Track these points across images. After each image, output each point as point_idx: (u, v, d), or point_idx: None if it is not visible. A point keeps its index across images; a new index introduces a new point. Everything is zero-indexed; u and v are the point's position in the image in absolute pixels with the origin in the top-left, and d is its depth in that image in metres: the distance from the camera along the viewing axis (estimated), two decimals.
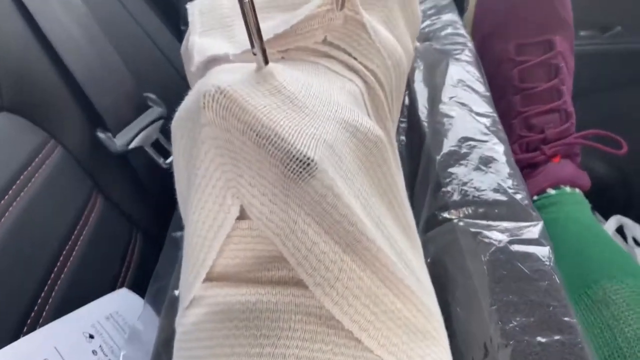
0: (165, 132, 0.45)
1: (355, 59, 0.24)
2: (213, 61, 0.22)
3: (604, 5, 0.60)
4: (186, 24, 0.57)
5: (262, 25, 0.18)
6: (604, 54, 0.60)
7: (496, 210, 0.28)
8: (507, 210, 0.28)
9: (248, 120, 0.16)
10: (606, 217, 0.64)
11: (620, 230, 0.62)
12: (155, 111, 0.45)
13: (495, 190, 0.29)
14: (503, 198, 0.28)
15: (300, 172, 0.16)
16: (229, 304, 0.20)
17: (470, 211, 0.28)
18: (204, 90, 0.17)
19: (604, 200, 0.73)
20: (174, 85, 0.50)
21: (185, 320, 0.21)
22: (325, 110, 0.19)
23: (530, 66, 0.47)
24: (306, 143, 0.16)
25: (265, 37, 0.19)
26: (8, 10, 0.36)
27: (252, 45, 0.17)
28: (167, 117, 0.46)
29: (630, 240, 0.60)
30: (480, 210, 0.28)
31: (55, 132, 0.39)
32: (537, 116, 0.48)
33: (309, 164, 0.16)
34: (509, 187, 0.29)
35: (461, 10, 0.51)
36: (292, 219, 0.17)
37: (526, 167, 0.49)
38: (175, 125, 0.19)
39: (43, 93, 0.38)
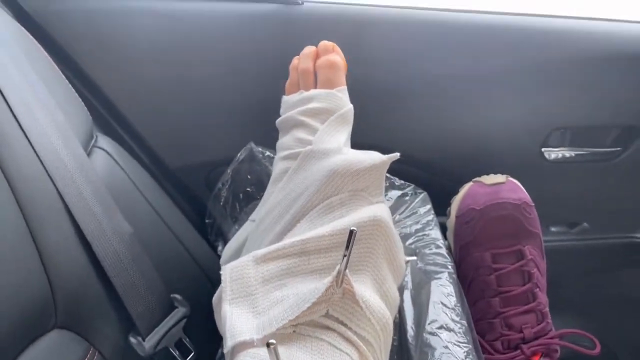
0: (187, 328, 0.51)
1: (350, 329, 0.31)
2: (241, 346, 0.29)
3: (571, 205, 0.69)
4: (210, 217, 0.66)
5: (278, 295, 0.25)
6: (575, 248, 0.69)
7: None
8: None
9: None
10: None
11: None
12: (180, 311, 0.51)
13: None
14: None
15: None
16: None
17: None
18: None
19: None
20: (196, 282, 0.57)
21: None
22: None
23: (506, 272, 0.55)
24: None
25: (281, 318, 0.27)
26: (70, 242, 0.45)
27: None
28: (189, 315, 0.52)
29: None
30: None
31: (95, 341, 0.45)
32: (515, 316, 0.54)
33: None
34: None
35: (444, 215, 0.60)
36: None
37: None
38: None
39: (89, 309, 0.45)
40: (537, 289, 0.55)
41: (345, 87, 0.50)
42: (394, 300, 0.38)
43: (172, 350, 0.49)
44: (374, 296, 0.34)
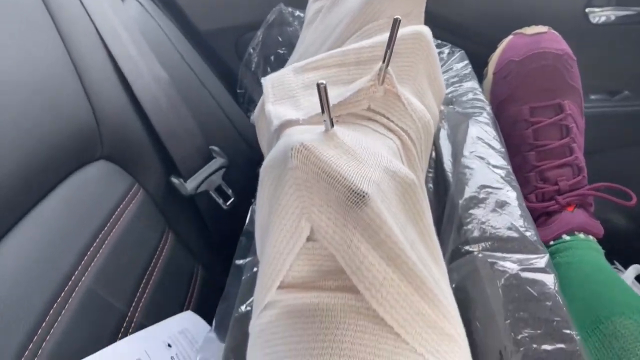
0: (226, 179, 0.53)
1: (392, 122, 0.32)
2: (287, 123, 0.30)
3: (612, 72, 0.66)
4: (242, 87, 0.66)
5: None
6: (614, 115, 0.67)
7: (509, 245, 0.34)
8: (518, 244, 0.34)
9: (321, 165, 0.23)
10: (626, 266, 0.67)
11: (638, 278, 0.66)
12: (219, 161, 0.53)
13: (509, 229, 0.35)
14: (515, 235, 0.34)
15: (357, 202, 0.23)
16: (297, 305, 0.26)
17: (487, 245, 0.34)
18: (291, 145, 0.24)
19: (623, 251, 0.77)
20: (232, 140, 0.59)
21: (260, 321, 0.28)
22: (372, 159, 0.26)
23: (543, 126, 0.54)
24: (361, 181, 0.23)
25: None
26: (112, 81, 0.46)
27: (323, 113, 0.25)
28: (228, 167, 0.54)
29: None
30: (496, 244, 0.34)
31: (140, 177, 0.47)
32: (551, 170, 0.54)
33: (363, 196, 0.23)
34: (520, 226, 0.35)
35: (480, 79, 0.59)
36: (349, 237, 0.24)
37: (542, 215, 0.54)
38: (263, 170, 0.27)
39: (133, 145, 0.47)
40: (575, 144, 0.54)
41: None
42: (434, 116, 0.38)
43: (212, 194, 0.51)
44: (415, 100, 0.34)
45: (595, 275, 0.48)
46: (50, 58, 0.40)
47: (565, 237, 0.52)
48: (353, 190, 0.23)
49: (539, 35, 0.54)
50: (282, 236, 0.26)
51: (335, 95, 0.31)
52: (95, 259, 0.39)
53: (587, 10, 0.62)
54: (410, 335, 0.25)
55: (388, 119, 0.32)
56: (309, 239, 0.26)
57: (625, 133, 0.68)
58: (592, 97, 0.67)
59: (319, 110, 0.28)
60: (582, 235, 0.52)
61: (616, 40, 0.64)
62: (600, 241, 0.52)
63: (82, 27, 0.44)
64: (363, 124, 0.31)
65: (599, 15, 0.63)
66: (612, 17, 0.64)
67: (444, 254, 0.33)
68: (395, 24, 0.29)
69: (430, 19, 0.43)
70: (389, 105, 0.32)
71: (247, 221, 0.45)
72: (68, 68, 0.42)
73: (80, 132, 0.41)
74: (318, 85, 0.23)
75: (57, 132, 0.39)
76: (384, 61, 0.31)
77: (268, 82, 0.35)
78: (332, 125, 0.25)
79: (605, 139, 0.68)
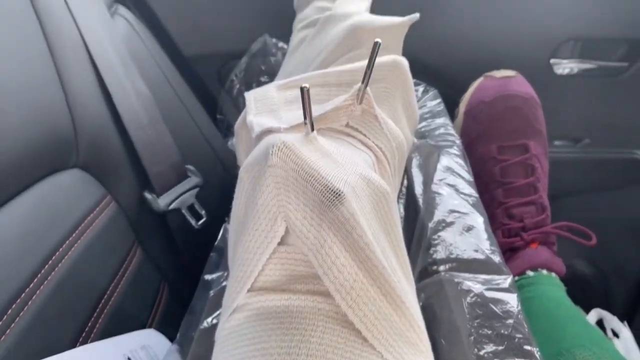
0: (200, 198, 0.53)
1: (369, 139, 0.33)
2: (267, 132, 0.31)
3: (575, 121, 0.71)
4: (222, 113, 0.67)
5: (301, 112, 0.26)
6: (576, 161, 0.70)
7: (475, 266, 0.35)
8: (484, 266, 0.35)
9: (301, 164, 0.24)
10: (587, 310, 0.69)
11: (600, 322, 0.68)
12: (193, 180, 0.53)
13: (475, 251, 0.36)
14: (481, 257, 0.35)
15: (333, 200, 0.23)
16: (266, 308, 0.26)
17: (454, 266, 0.35)
18: (272, 143, 0.25)
19: (586, 295, 0.79)
20: (208, 161, 0.59)
21: (228, 325, 0.27)
22: (349, 165, 0.27)
23: (510, 165, 0.56)
24: (338, 182, 0.24)
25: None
26: (94, 92, 0.46)
27: (305, 116, 0.26)
28: (202, 186, 0.54)
29: (609, 331, 0.66)
30: (463, 265, 0.35)
31: (112, 190, 0.47)
32: (516, 207, 0.56)
33: (339, 194, 0.23)
34: (486, 249, 0.36)
35: (452, 117, 0.62)
36: (323, 237, 0.24)
37: (508, 250, 0.56)
38: (243, 169, 0.27)
39: (109, 157, 0.46)
40: (539, 184, 0.57)
41: None
42: (408, 140, 0.39)
43: (184, 212, 0.51)
44: (391, 121, 0.36)
45: (557, 309, 0.49)
46: (36, 65, 0.41)
47: (529, 273, 0.53)
48: (329, 189, 0.23)
49: (508, 79, 0.57)
50: (257, 236, 0.26)
51: (315, 109, 0.33)
52: (59, 266, 0.38)
53: (551, 61, 0.67)
54: (377, 340, 0.25)
55: (365, 135, 0.33)
56: (282, 243, 0.26)
57: (586, 179, 0.72)
58: (556, 142, 0.71)
59: (301, 120, 0.29)
60: (545, 272, 0.53)
61: (578, 91, 0.68)
62: (562, 283, 0.54)
63: (70, 38, 0.44)
64: (341, 137, 0.32)
65: (563, 66, 0.68)
66: (575, 70, 0.69)
67: (412, 274, 0.34)
68: (375, 47, 0.31)
69: (407, 60, 0.45)
70: (366, 124, 0.33)
71: (219, 237, 0.45)
72: (52, 76, 0.42)
73: (57, 139, 0.41)
74: (301, 88, 0.24)
75: (33, 136, 0.39)
76: (363, 81, 0.32)
77: (251, 95, 0.37)
78: (313, 130, 0.26)
79: (567, 184, 0.71)
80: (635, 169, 0.70)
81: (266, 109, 0.35)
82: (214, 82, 0.68)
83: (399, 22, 0.43)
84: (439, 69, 0.68)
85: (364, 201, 0.26)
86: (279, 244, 0.26)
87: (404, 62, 0.40)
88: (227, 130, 0.67)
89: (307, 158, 0.24)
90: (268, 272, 0.27)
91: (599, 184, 0.72)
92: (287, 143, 0.24)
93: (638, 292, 0.83)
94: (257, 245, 0.26)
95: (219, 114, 0.67)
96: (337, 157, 0.26)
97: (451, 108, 0.62)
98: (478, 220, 0.39)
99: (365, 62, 0.39)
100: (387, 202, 0.28)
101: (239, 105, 0.64)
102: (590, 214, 0.74)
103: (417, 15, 0.44)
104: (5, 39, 0.39)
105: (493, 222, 0.57)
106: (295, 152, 0.24)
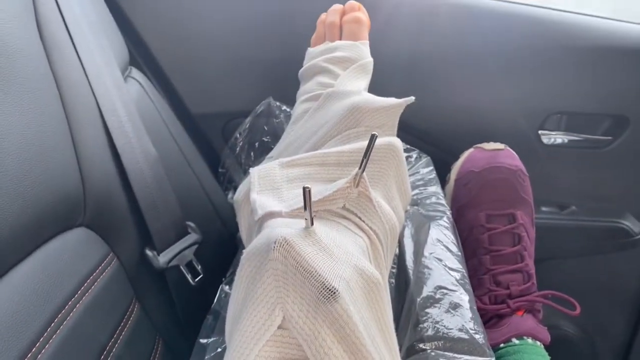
0: (198, 255, 0.55)
1: (364, 222, 0.35)
2: (270, 214, 0.33)
3: (561, 189, 0.74)
4: (224, 167, 0.70)
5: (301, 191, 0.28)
6: (562, 228, 0.73)
7: (459, 346, 0.37)
8: (468, 346, 0.37)
9: (300, 260, 0.26)
10: None
11: None
12: (193, 237, 0.55)
13: (460, 330, 0.38)
14: (465, 337, 0.37)
15: (328, 297, 0.25)
16: None
17: (440, 344, 0.37)
18: (274, 238, 0.27)
19: (573, 357, 0.80)
20: (208, 217, 0.61)
21: None
22: (345, 257, 0.29)
23: (497, 233, 0.59)
24: (333, 279, 0.26)
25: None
26: (104, 153, 0.48)
27: (305, 210, 0.28)
28: (201, 243, 0.56)
29: None
30: (448, 344, 0.37)
31: (115, 247, 0.48)
32: (503, 274, 0.58)
33: (334, 293, 0.25)
34: (471, 329, 0.38)
35: (443, 183, 0.64)
36: (317, 330, 0.26)
37: (494, 317, 0.57)
38: (245, 257, 0.29)
39: (114, 215, 0.48)
40: (525, 252, 0.59)
41: (367, 42, 0.54)
42: (400, 218, 0.42)
43: (182, 269, 0.52)
44: (384, 204, 0.38)
45: None
46: (51, 127, 0.43)
47: (515, 341, 0.55)
48: (326, 287, 0.26)
49: (497, 152, 0.60)
50: (255, 322, 0.28)
51: (315, 191, 0.35)
52: (62, 326, 0.39)
53: (540, 132, 0.71)
54: None
55: (360, 218, 0.35)
56: (279, 327, 0.28)
57: (572, 245, 0.74)
58: (543, 209, 0.74)
59: (301, 204, 0.31)
60: (530, 341, 0.55)
61: (565, 161, 0.72)
62: (547, 347, 0.56)
63: (86, 102, 0.47)
64: (337, 221, 0.34)
65: (551, 137, 0.72)
66: (562, 141, 0.72)
67: (400, 349, 0.36)
68: (372, 139, 0.34)
69: (401, 127, 0.48)
70: (362, 206, 0.36)
71: (215, 300, 0.46)
72: (66, 139, 0.44)
73: (67, 199, 0.43)
74: (304, 188, 0.27)
75: (45, 198, 0.40)
76: (360, 167, 0.35)
77: (255, 172, 0.39)
78: (312, 224, 0.28)
79: (554, 249, 0.74)
80: (620, 237, 0.73)
81: (269, 186, 0.38)
82: (218, 139, 0.71)
83: (396, 104, 0.46)
84: (433, 135, 0.71)
85: (357, 293, 0.28)
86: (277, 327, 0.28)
87: (399, 144, 0.43)
88: (228, 183, 0.69)
89: (306, 255, 0.26)
90: (263, 354, 0.28)
91: (584, 249, 0.75)
92: (288, 239, 0.27)
93: (624, 355, 0.85)
94: (254, 330, 0.28)
95: (221, 168, 0.69)
96: (333, 250, 0.28)
97: (443, 171, 0.65)
98: (464, 299, 0.41)
99: (362, 144, 0.42)
100: (379, 290, 0.30)
101: (241, 161, 0.66)
102: (575, 277, 0.77)
103: (412, 98, 0.47)
104: (23, 105, 0.41)
105: (480, 288, 0.59)
106: (295, 248, 0.27)
